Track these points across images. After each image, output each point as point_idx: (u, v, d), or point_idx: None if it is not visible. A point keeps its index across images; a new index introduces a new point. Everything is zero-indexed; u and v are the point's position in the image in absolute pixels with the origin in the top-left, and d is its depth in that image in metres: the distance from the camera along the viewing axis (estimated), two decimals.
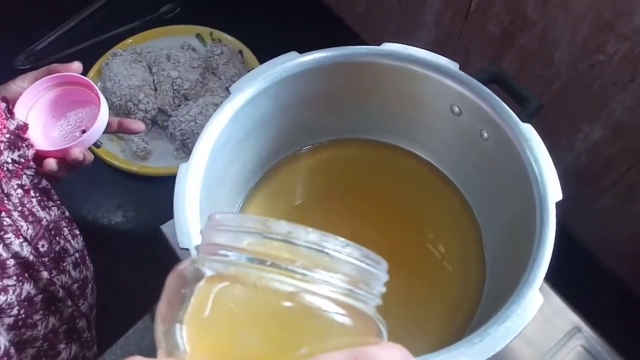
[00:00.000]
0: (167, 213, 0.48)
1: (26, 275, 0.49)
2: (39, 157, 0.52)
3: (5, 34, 0.93)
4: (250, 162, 0.54)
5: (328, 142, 0.60)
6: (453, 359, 0.37)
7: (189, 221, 0.42)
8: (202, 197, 0.44)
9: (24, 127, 0.51)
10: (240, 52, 0.89)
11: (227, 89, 0.86)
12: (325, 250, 0.19)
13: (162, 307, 0.20)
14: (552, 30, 0.58)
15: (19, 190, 0.50)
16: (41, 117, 0.55)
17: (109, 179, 0.83)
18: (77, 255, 0.58)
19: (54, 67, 0.55)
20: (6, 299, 0.46)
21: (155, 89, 0.85)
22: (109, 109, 0.84)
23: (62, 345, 0.53)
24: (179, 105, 0.84)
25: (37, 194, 0.52)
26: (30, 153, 0.51)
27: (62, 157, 0.53)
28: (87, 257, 0.61)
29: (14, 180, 0.49)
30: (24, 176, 0.51)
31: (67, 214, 0.58)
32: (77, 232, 0.60)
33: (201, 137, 0.46)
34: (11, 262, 0.47)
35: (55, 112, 0.57)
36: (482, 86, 0.48)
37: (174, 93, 0.84)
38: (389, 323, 0.56)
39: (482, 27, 0.66)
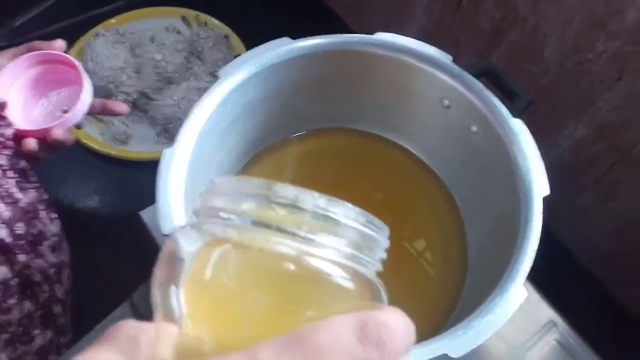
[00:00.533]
0: (146, 199, 0.47)
1: (1, 257, 0.47)
2: (19, 136, 0.51)
3: None
4: (236, 148, 0.53)
5: (316, 131, 0.59)
6: (436, 351, 0.37)
7: (172, 207, 0.41)
8: (187, 183, 0.43)
9: (2, 105, 0.50)
10: (227, 36, 0.88)
11: (211, 73, 0.84)
12: (332, 215, 0.19)
13: (159, 272, 0.19)
14: (542, 27, 0.58)
15: None
16: (21, 95, 0.53)
17: (87, 162, 0.81)
18: (54, 239, 0.56)
19: (36, 44, 0.53)
20: None
21: (138, 72, 0.83)
22: None
23: (36, 331, 0.52)
24: (162, 89, 0.83)
25: (16, 175, 0.51)
26: (9, 132, 0.49)
27: (43, 137, 0.51)
28: (64, 242, 0.59)
29: None
30: (2, 156, 0.49)
31: (44, 196, 0.56)
32: (55, 215, 0.58)
33: (187, 122, 0.45)
34: None
35: (36, 90, 0.55)
36: (474, 80, 0.48)
37: (157, 76, 0.83)
38: None
39: (472, 22, 0.66)
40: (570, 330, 0.57)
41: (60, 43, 0.54)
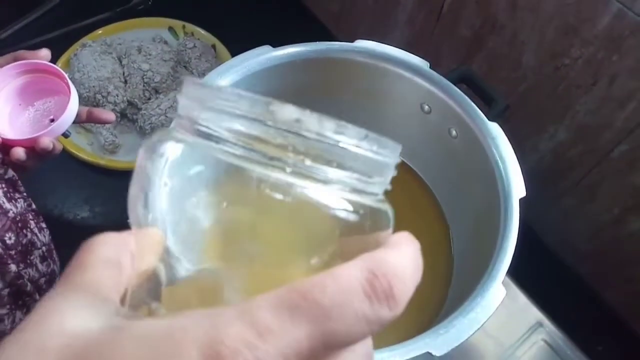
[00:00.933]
0: None
1: None
2: (6, 146, 0.51)
3: None
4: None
5: None
6: (418, 350, 0.38)
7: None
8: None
9: None
10: (214, 46, 0.89)
11: None
12: (341, 144, 0.16)
13: (133, 189, 0.17)
14: (520, 34, 0.59)
15: None
16: (7, 104, 0.54)
17: (76, 172, 0.81)
18: (44, 248, 0.56)
19: (21, 53, 0.54)
20: None
21: (125, 82, 0.84)
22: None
23: None
24: (149, 99, 0.83)
25: (3, 185, 0.51)
26: None
27: (31, 147, 0.51)
28: (53, 251, 0.60)
29: None
30: None
31: (33, 206, 0.57)
32: (44, 225, 0.59)
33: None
34: None
35: (23, 100, 0.55)
36: (452, 85, 0.50)
37: (144, 86, 0.83)
38: None
39: (453, 29, 0.67)
40: (557, 331, 0.58)
41: (45, 52, 0.55)
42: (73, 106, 0.53)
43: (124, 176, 0.78)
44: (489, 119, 0.48)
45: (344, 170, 0.16)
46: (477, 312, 0.40)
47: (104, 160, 0.79)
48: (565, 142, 0.63)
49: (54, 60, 0.85)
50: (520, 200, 0.46)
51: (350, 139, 0.16)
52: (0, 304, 0.48)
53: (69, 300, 0.16)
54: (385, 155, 0.17)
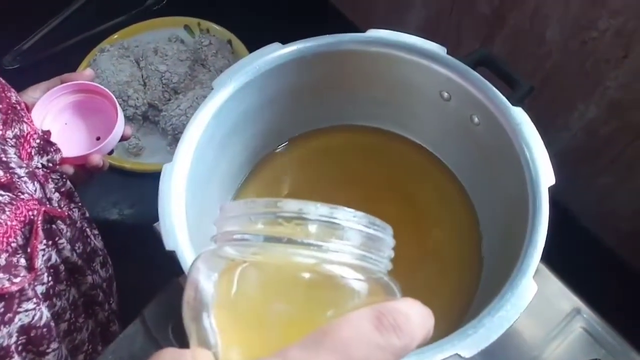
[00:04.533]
0: None
1: (72, 279, 0.50)
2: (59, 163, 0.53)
3: None
4: (238, 158, 0.53)
5: (317, 131, 0.58)
6: (446, 352, 0.37)
7: (175, 223, 0.41)
8: (188, 197, 0.43)
9: (48, 133, 0.52)
10: (229, 41, 0.88)
11: None
12: (336, 221, 0.20)
13: (187, 301, 0.20)
14: (543, 8, 0.56)
15: (56, 194, 0.50)
16: (56, 124, 0.56)
17: (103, 177, 0.82)
18: (101, 254, 0.59)
19: (66, 76, 0.56)
20: (61, 304, 0.46)
21: (144, 84, 0.84)
22: None
23: (99, 347, 0.54)
24: (169, 100, 0.83)
25: (64, 198, 0.53)
26: (58, 157, 0.51)
27: (82, 164, 0.53)
28: (108, 256, 0.61)
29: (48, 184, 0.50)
30: (51, 181, 0.51)
31: (87, 214, 0.58)
32: (97, 232, 0.60)
33: (184, 136, 0.45)
34: (62, 267, 0.47)
35: (70, 119, 0.57)
36: (471, 70, 0.47)
37: (163, 87, 0.83)
38: None
39: (472, 7, 0.64)
40: (597, 317, 0.55)
41: (89, 72, 0.57)
42: (120, 124, 0.55)
43: (149, 178, 0.80)
44: (513, 103, 0.45)
45: (343, 241, 0.20)
46: (507, 310, 0.38)
47: (129, 163, 0.80)
48: (596, 119, 0.60)
49: (74, 67, 0.86)
50: (552, 185, 0.43)
51: (342, 216, 0.20)
52: (78, 314, 0.50)
53: None
54: (377, 230, 0.21)
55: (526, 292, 0.39)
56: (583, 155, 0.65)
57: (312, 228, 0.20)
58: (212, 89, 0.47)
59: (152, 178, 0.82)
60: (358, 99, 0.55)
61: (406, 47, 0.48)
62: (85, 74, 0.56)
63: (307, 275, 0.20)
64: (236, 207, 0.21)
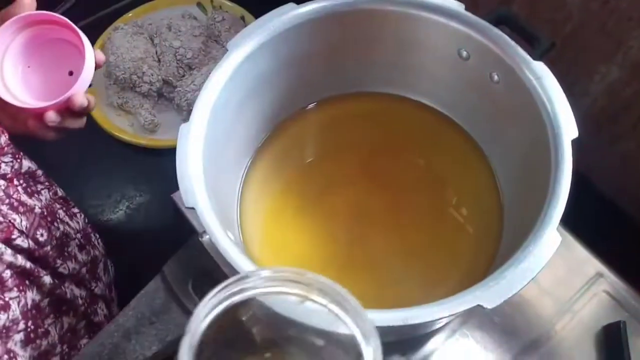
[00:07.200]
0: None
1: (27, 283, 0.45)
2: (37, 114, 0.46)
3: None
4: (255, 121, 0.53)
5: (335, 97, 0.58)
6: (468, 303, 0.36)
7: (193, 180, 0.41)
8: (205, 157, 0.43)
9: None
10: (242, 17, 0.88)
11: None
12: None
13: None
14: None
15: (1, 182, 0.45)
16: (17, 68, 0.47)
17: (119, 154, 0.83)
18: (79, 236, 0.55)
19: (4, 12, 0.46)
20: (8, 316, 0.42)
21: (159, 60, 0.84)
22: (114, 83, 0.84)
23: (83, 341, 0.51)
24: (184, 76, 0.83)
25: (21, 181, 0.49)
26: (3, 140, 0.45)
27: (64, 108, 0.46)
28: (91, 235, 0.58)
29: None
30: (2, 164, 0.46)
31: (60, 193, 0.54)
32: (75, 210, 0.57)
33: (200, 96, 0.45)
34: (7, 273, 0.43)
35: (30, 58, 0.48)
36: (491, 26, 0.46)
37: (177, 63, 0.83)
38: (408, 272, 0.55)
39: None
40: (619, 281, 0.55)
41: (28, 1, 0.46)
42: (89, 50, 0.46)
43: (165, 154, 0.80)
44: (533, 59, 0.45)
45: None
46: (530, 262, 0.38)
47: (145, 140, 0.81)
48: (618, 81, 0.59)
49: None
50: (573, 144, 0.43)
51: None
52: (43, 316, 0.46)
53: None
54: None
55: (549, 243, 0.38)
56: (603, 120, 0.63)
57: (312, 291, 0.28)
58: (227, 50, 0.47)
59: (167, 154, 0.83)
60: (374, 62, 0.55)
61: (423, 5, 0.48)
62: (24, 2, 0.45)
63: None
64: None
